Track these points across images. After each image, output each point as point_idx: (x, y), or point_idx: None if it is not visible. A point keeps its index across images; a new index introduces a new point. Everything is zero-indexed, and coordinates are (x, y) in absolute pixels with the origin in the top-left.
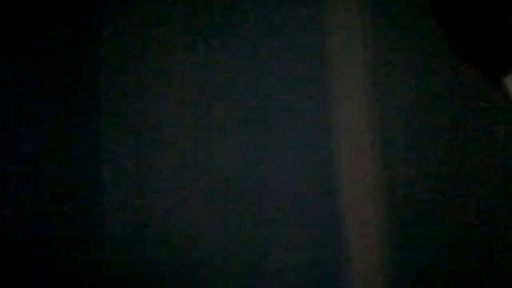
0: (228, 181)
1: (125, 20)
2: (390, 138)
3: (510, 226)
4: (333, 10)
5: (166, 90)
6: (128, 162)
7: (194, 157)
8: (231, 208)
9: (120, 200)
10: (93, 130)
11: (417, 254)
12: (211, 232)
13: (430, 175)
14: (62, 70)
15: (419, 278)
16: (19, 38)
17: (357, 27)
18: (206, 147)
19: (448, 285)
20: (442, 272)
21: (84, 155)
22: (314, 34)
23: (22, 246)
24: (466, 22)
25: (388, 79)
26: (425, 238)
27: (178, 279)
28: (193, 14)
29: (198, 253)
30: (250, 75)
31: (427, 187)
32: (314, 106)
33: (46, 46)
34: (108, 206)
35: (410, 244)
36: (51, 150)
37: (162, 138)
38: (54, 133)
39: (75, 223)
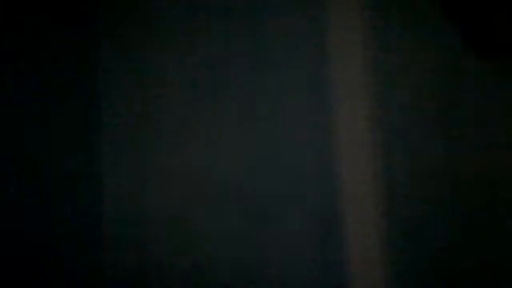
0: (228, 181)
1: (125, 21)
2: (390, 138)
3: (510, 226)
4: (333, 11)
5: (166, 91)
6: (128, 163)
7: (194, 157)
8: (231, 208)
9: (120, 200)
10: (93, 131)
11: (417, 254)
12: (211, 232)
13: (430, 175)
14: (62, 70)
15: (419, 278)
16: (19, 38)
17: (357, 27)
18: (206, 148)
19: (448, 284)
20: (442, 272)
21: (84, 155)
22: (314, 34)
23: (22, 245)
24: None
25: (388, 79)
26: (425, 238)
27: (178, 279)
28: (193, 15)
29: (197, 253)
30: (250, 76)
31: (427, 187)
32: (315, 107)
33: (46, 47)
34: (108, 206)
35: (410, 244)
36: (51, 149)
37: (162, 138)
38: (55, 133)
39: (75, 223)
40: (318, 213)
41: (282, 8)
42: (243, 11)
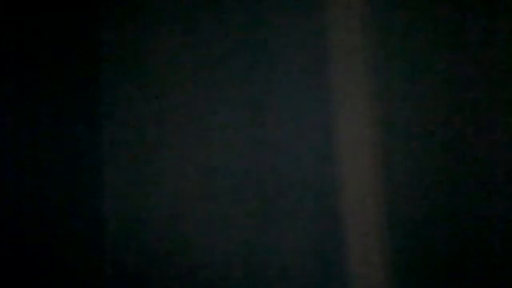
0: (228, 181)
1: (126, 19)
2: (390, 138)
3: (510, 226)
4: (333, 11)
5: (168, 90)
6: (129, 163)
7: (194, 158)
8: (232, 208)
9: (121, 200)
10: (94, 130)
11: (417, 254)
12: (212, 232)
13: (430, 175)
14: (63, 69)
15: (419, 278)
16: (19, 37)
17: (357, 27)
18: (206, 148)
19: (448, 284)
20: (442, 272)
21: (85, 156)
22: (314, 34)
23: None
24: None
25: (388, 79)
26: (425, 238)
27: (179, 278)
28: (193, 16)
29: (198, 252)
30: (251, 76)
31: (427, 187)
32: (315, 107)
33: (46, 47)
34: (108, 206)
35: (410, 244)
36: (52, 149)
37: (163, 139)
38: (55, 132)
39: (76, 223)
40: (318, 213)
41: (282, 8)
42: (244, 11)
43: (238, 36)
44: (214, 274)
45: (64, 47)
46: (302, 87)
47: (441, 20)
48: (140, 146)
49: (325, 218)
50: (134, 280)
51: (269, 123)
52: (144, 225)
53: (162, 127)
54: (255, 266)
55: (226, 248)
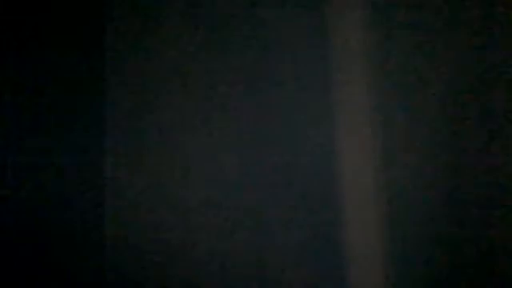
0: (228, 181)
1: (129, 19)
2: (390, 138)
3: (510, 226)
4: (334, 11)
5: (169, 91)
6: (130, 165)
7: (194, 157)
8: (232, 208)
9: (121, 202)
10: (96, 131)
11: (417, 253)
12: (212, 232)
13: (430, 176)
14: (66, 69)
15: (419, 278)
16: (23, 37)
17: (358, 27)
18: (206, 148)
19: (448, 284)
20: (442, 272)
21: (87, 156)
22: (315, 34)
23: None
24: None
25: (389, 79)
26: (424, 238)
27: (179, 280)
28: (193, 17)
29: (198, 253)
30: (251, 76)
31: (427, 187)
32: (315, 108)
33: (49, 47)
34: (109, 207)
35: (410, 244)
36: (53, 150)
37: (164, 141)
38: (56, 132)
39: (76, 223)
40: (318, 214)
41: (282, 8)
42: (244, 12)
43: (238, 36)
44: (215, 276)
45: (66, 48)
46: (302, 88)
47: (441, 20)
48: (141, 148)
49: (325, 219)
50: (134, 281)
51: (269, 124)
52: (144, 226)
53: (164, 129)
54: (254, 266)
55: (227, 248)
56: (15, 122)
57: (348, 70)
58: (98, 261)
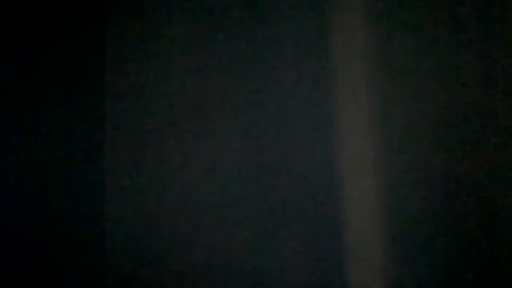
0: (228, 181)
1: (130, 20)
2: (390, 139)
3: (510, 226)
4: (335, 11)
5: (169, 91)
6: (131, 166)
7: (194, 158)
8: (232, 209)
9: (122, 203)
10: (95, 131)
11: (417, 253)
12: (212, 233)
13: (430, 176)
14: (66, 70)
15: (419, 278)
16: (23, 37)
17: (359, 28)
18: (206, 148)
19: (448, 285)
20: (442, 272)
21: (87, 156)
22: (315, 35)
23: (23, 247)
24: None
25: (389, 80)
26: (424, 238)
27: (179, 280)
28: (194, 18)
29: (198, 254)
30: (251, 76)
31: (427, 188)
32: (315, 109)
33: (50, 47)
34: (109, 208)
35: (409, 244)
36: (53, 150)
37: (164, 141)
38: (56, 133)
39: (77, 223)
40: (318, 214)
41: (282, 8)
42: (245, 12)
43: (239, 37)
44: (214, 276)
45: (67, 48)
46: (303, 88)
47: (442, 20)
48: (141, 148)
49: (325, 219)
50: (134, 281)
51: (269, 123)
52: (144, 228)
53: (164, 130)
54: (254, 267)
55: (227, 249)
56: (15, 122)
57: (348, 70)
58: (97, 261)
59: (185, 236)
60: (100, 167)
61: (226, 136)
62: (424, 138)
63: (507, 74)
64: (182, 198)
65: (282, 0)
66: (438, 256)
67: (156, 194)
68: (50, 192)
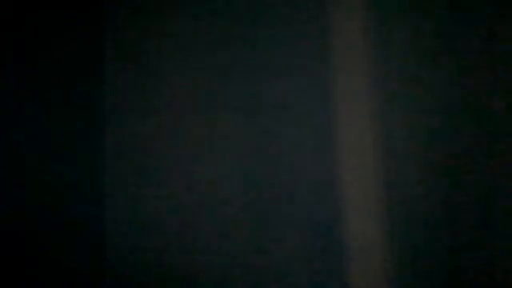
0: (228, 182)
1: (129, 21)
2: (390, 139)
3: (510, 226)
4: (334, 12)
5: (169, 92)
6: (131, 167)
7: (194, 158)
8: (232, 209)
9: (121, 201)
10: (95, 131)
11: (417, 253)
12: (212, 234)
13: (430, 176)
14: (65, 70)
15: (419, 278)
16: (21, 36)
17: (358, 29)
18: (206, 149)
19: (448, 285)
20: (442, 272)
21: (86, 156)
22: (315, 35)
23: (23, 247)
24: None
25: (389, 80)
26: (424, 239)
27: (179, 280)
28: (194, 19)
29: (198, 255)
30: (251, 77)
31: (427, 187)
32: (315, 108)
33: (48, 46)
34: (109, 208)
35: (409, 244)
36: (53, 150)
37: (164, 140)
38: (56, 133)
39: (76, 224)
40: (318, 215)
41: (283, 9)
42: (245, 13)
43: (239, 37)
44: (214, 277)
45: (66, 47)
46: (303, 89)
47: (442, 21)
48: (141, 147)
49: (325, 219)
50: (135, 281)
51: (269, 124)
52: (144, 226)
53: (165, 130)
54: (254, 268)
55: (227, 250)
56: (14, 122)
57: (348, 71)
58: (98, 261)
59: (185, 236)
60: (100, 167)
61: (225, 136)
62: (424, 137)
63: (508, 74)
64: (182, 197)
65: (282, 0)
66: (438, 256)
67: (156, 194)
68: (49, 192)
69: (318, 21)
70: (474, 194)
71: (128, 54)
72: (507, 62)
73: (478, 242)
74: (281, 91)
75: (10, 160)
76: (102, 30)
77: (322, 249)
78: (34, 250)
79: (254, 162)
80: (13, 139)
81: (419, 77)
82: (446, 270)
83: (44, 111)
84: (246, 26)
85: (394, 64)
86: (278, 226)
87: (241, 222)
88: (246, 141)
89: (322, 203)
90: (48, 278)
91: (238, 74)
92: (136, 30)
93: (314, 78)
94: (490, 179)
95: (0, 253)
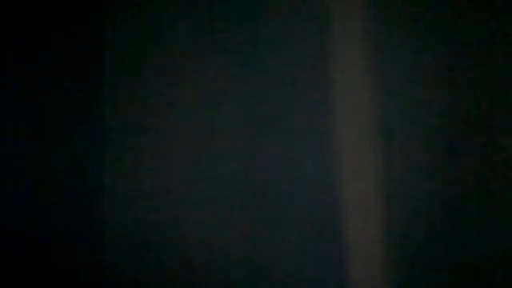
0: (228, 183)
1: (128, 21)
2: (390, 140)
3: (510, 226)
4: (334, 12)
5: (169, 93)
6: (130, 165)
7: (194, 158)
8: (232, 210)
9: (122, 203)
10: (94, 131)
11: (417, 253)
12: (212, 234)
13: (430, 176)
14: (64, 69)
15: (419, 279)
16: (21, 36)
17: (358, 28)
18: (206, 149)
19: (448, 285)
20: (442, 272)
21: (85, 155)
22: (314, 35)
23: (23, 247)
24: None
25: (389, 81)
26: (424, 239)
27: (179, 281)
28: (194, 19)
29: (198, 255)
30: (251, 77)
31: (427, 187)
32: (315, 108)
33: (48, 47)
34: (109, 208)
35: (410, 244)
36: (52, 150)
37: (164, 140)
38: (55, 133)
39: (76, 224)
40: (318, 215)
41: (282, 9)
42: (245, 13)
43: (239, 38)
44: (214, 276)
45: (66, 48)
46: (303, 89)
47: (442, 21)
48: (141, 147)
49: (325, 220)
50: (134, 282)
51: (269, 125)
52: (144, 226)
53: (164, 129)
54: (254, 268)
55: (226, 250)
56: (14, 122)
57: (349, 72)
58: (97, 261)
59: (184, 236)
60: (99, 167)
61: (225, 135)
62: (424, 137)
63: (508, 74)
64: (181, 197)
65: (282, 0)
66: (438, 256)
67: (156, 194)
68: (49, 192)
69: (318, 21)
70: (474, 194)
71: (128, 53)
72: (507, 61)
73: (477, 242)
74: (281, 91)
75: (9, 160)
76: (102, 29)
77: (322, 249)
78: (33, 250)
79: (254, 161)
80: (13, 139)
81: (419, 76)
82: (446, 270)
83: (44, 111)
84: (245, 26)
85: (394, 64)
86: (278, 226)
87: (241, 222)
88: (246, 141)
89: (321, 203)
90: (48, 277)
91: (238, 73)
92: (136, 29)
93: (314, 77)
94: (489, 178)
95: (0, 253)
